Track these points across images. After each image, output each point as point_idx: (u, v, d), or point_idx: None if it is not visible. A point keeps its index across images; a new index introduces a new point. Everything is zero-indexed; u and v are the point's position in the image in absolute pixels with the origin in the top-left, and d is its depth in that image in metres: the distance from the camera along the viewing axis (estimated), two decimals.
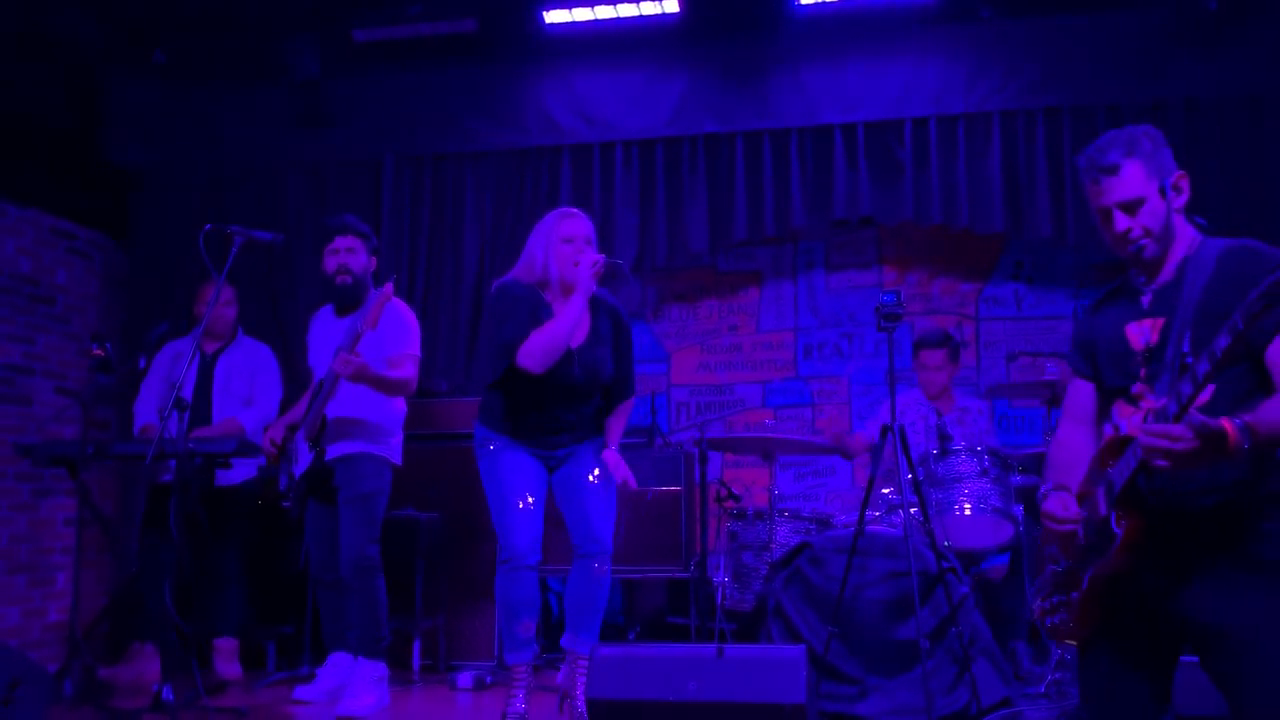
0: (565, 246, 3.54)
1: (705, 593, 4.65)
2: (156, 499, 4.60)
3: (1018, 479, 4.21)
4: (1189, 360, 1.87)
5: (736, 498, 4.92)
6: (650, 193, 5.56)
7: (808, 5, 5.20)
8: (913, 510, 3.76)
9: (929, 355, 4.81)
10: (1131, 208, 2.09)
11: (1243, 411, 1.88)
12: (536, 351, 3.43)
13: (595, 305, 3.63)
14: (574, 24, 5.31)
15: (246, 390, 4.79)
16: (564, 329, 3.43)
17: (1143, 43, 5.06)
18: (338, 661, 4.17)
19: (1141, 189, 2.08)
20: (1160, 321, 2.08)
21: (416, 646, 4.75)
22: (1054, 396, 4.19)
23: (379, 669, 3.99)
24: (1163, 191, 2.09)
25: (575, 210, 3.67)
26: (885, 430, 3.62)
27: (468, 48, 5.56)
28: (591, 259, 3.46)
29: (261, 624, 5.00)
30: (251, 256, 4.91)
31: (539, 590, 3.64)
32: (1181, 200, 2.11)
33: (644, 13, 5.26)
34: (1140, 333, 2.09)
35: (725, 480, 5.28)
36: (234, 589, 4.71)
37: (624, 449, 4.14)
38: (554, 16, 5.27)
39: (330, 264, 4.16)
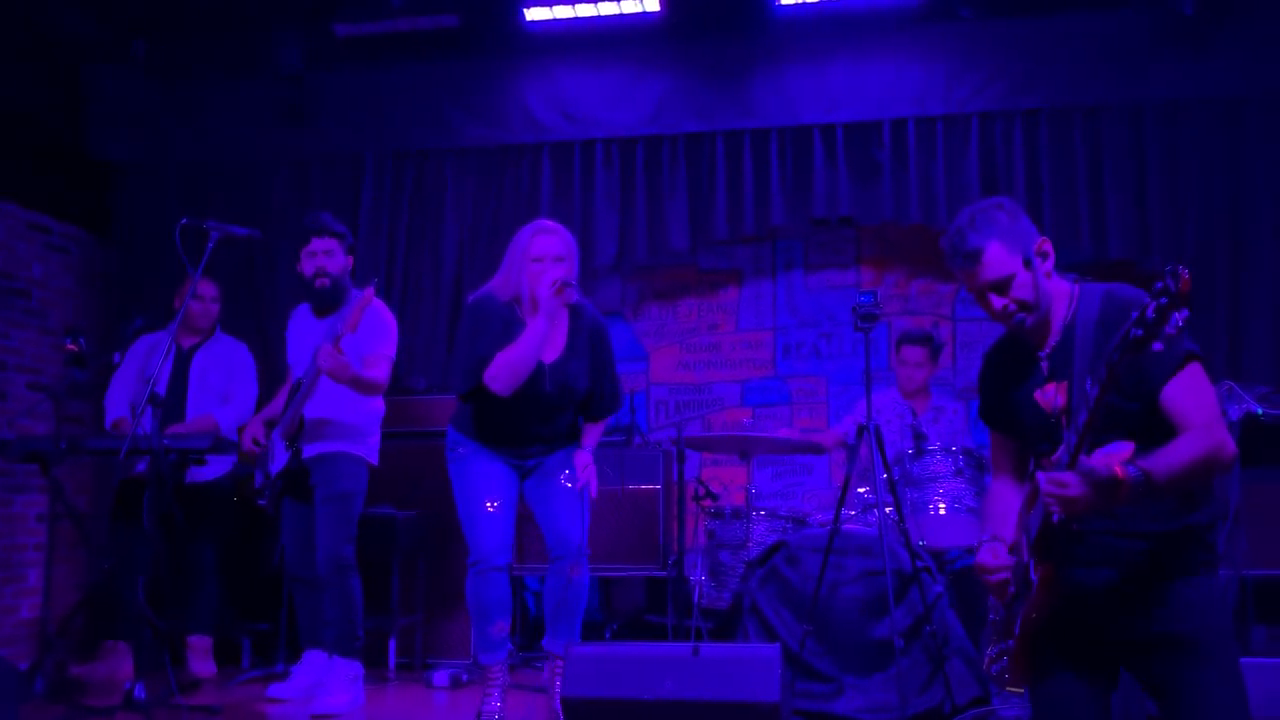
0: (534, 265, 3.49)
1: (682, 591, 4.66)
2: (129, 494, 4.56)
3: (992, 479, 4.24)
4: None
5: (714, 496, 4.92)
6: (631, 190, 5.56)
7: (789, 5, 5.21)
8: (888, 509, 3.77)
9: (909, 351, 4.85)
10: (1002, 287, 2.12)
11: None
12: (501, 373, 3.42)
13: (576, 317, 3.59)
14: (555, 21, 5.30)
15: (223, 387, 4.76)
16: (527, 351, 3.41)
17: (1121, 46, 5.09)
18: (313, 659, 4.15)
19: (1007, 267, 2.11)
20: (1064, 384, 2.11)
21: (393, 645, 4.74)
22: None
23: (354, 668, 3.98)
24: (1028, 262, 2.11)
25: (549, 225, 3.61)
26: (861, 430, 3.63)
27: (449, 43, 5.55)
28: (551, 279, 3.40)
29: (237, 621, 4.98)
30: (232, 252, 4.89)
31: (510, 590, 3.64)
32: (1048, 264, 2.14)
33: (625, 11, 5.25)
34: (1047, 398, 2.12)
35: (703, 479, 5.28)
36: (208, 586, 4.68)
37: (602, 447, 4.16)
38: (535, 14, 5.27)
39: (308, 267, 4.13)
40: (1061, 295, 2.16)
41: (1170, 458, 1.94)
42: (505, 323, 3.49)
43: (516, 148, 5.65)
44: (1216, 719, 1.95)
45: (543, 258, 3.49)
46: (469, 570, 3.61)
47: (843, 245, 6.08)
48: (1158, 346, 1.76)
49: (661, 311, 6.24)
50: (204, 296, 4.79)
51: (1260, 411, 3.45)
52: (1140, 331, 1.75)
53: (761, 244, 6.10)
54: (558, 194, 5.57)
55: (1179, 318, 1.73)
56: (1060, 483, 1.90)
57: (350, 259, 4.23)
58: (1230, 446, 2.00)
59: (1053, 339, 2.15)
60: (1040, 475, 1.95)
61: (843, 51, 5.34)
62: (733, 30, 5.43)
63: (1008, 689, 2.23)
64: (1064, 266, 2.26)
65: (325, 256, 4.11)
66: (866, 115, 5.28)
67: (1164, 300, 1.73)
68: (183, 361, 4.75)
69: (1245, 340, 4.91)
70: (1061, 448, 1.93)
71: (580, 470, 3.60)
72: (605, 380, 3.66)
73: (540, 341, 3.43)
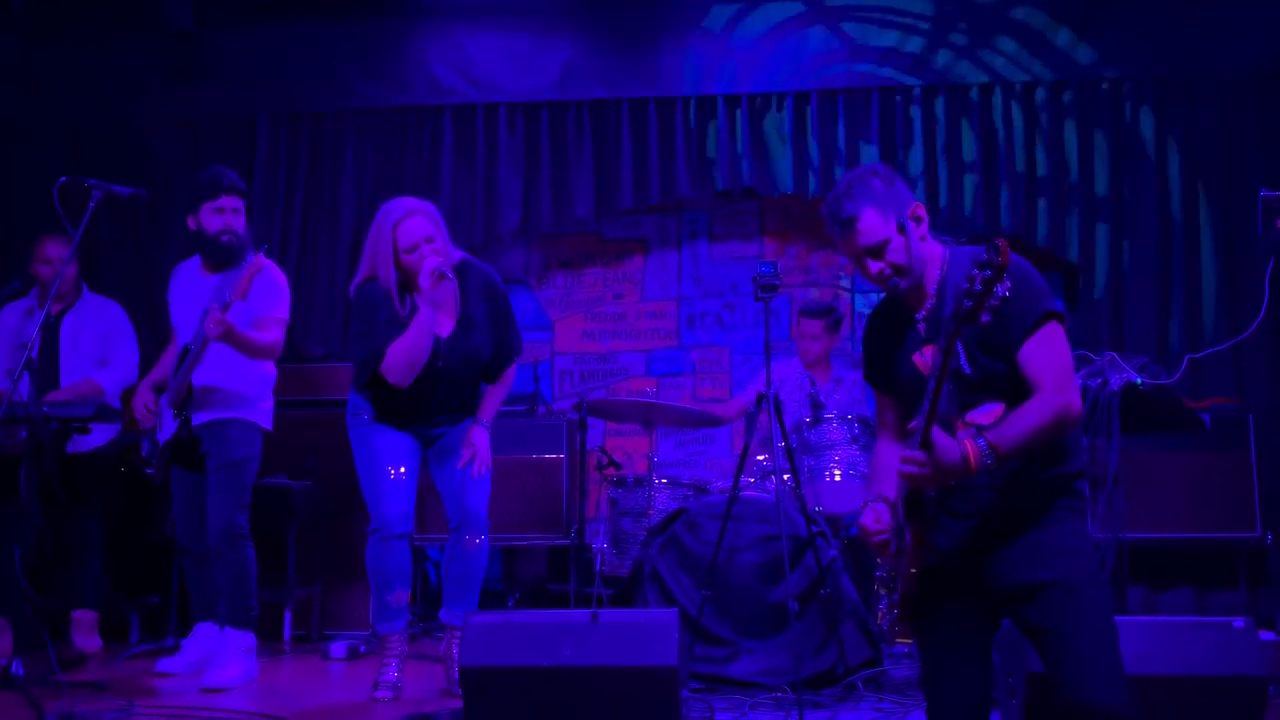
0: (407, 256, 3.42)
1: (584, 559, 4.68)
2: (8, 466, 4.36)
3: None
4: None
5: (617, 465, 4.94)
6: (535, 157, 5.52)
7: None
8: (785, 477, 3.83)
9: (807, 324, 4.93)
10: (876, 251, 2.17)
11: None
12: (396, 367, 3.40)
13: (464, 279, 3.51)
14: None
15: (98, 350, 4.57)
16: (418, 342, 3.39)
17: (1020, 23, 5.24)
18: (204, 632, 4.05)
19: (880, 233, 2.15)
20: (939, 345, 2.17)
21: (289, 616, 4.66)
22: None
23: (247, 639, 3.89)
24: (901, 227, 2.16)
25: (409, 204, 3.50)
26: (761, 398, 3.68)
27: (349, 3, 5.41)
28: (429, 269, 3.34)
29: (125, 595, 4.83)
30: (116, 212, 4.70)
31: (411, 560, 3.61)
32: (922, 228, 2.19)
33: None
34: (924, 360, 2.17)
35: (607, 448, 5.29)
36: (92, 559, 4.51)
37: (504, 416, 4.13)
38: None
39: (215, 222, 3.97)
40: (935, 258, 2.20)
41: (1015, 427, 2.01)
42: (391, 312, 3.44)
43: (417, 110, 5.56)
44: (1090, 657, 2.02)
45: (415, 245, 3.42)
46: (369, 537, 3.56)
47: (746, 217, 6.12)
48: (985, 318, 1.86)
49: (566, 281, 6.21)
50: (52, 259, 4.56)
51: (1139, 381, 3.59)
52: (970, 303, 1.84)
53: (667, 214, 6.11)
54: (460, 158, 5.50)
55: (1002, 289, 1.83)
56: (911, 460, 1.98)
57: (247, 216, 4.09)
58: (1076, 405, 2.06)
59: (929, 301, 2.20)
60: (899, 453, 2.03)
61: (745, 22, 5.36)
62: None
63: (898, 640, 2.31)
64: (960, 240, 2.30)
65: (233, 214, 3.98)
66: (769, 87, 5.34)
67: (988, 272, 1.82)
68: (51, 327, 4.55)
69: (1126, 311, 5.12)
70: (917, 415, 1.97)
71: (477, 447, 3.58)
72: (507, 336, 3.63)
73: (428, 332, 3.40)
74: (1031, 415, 2.02)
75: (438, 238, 3.46)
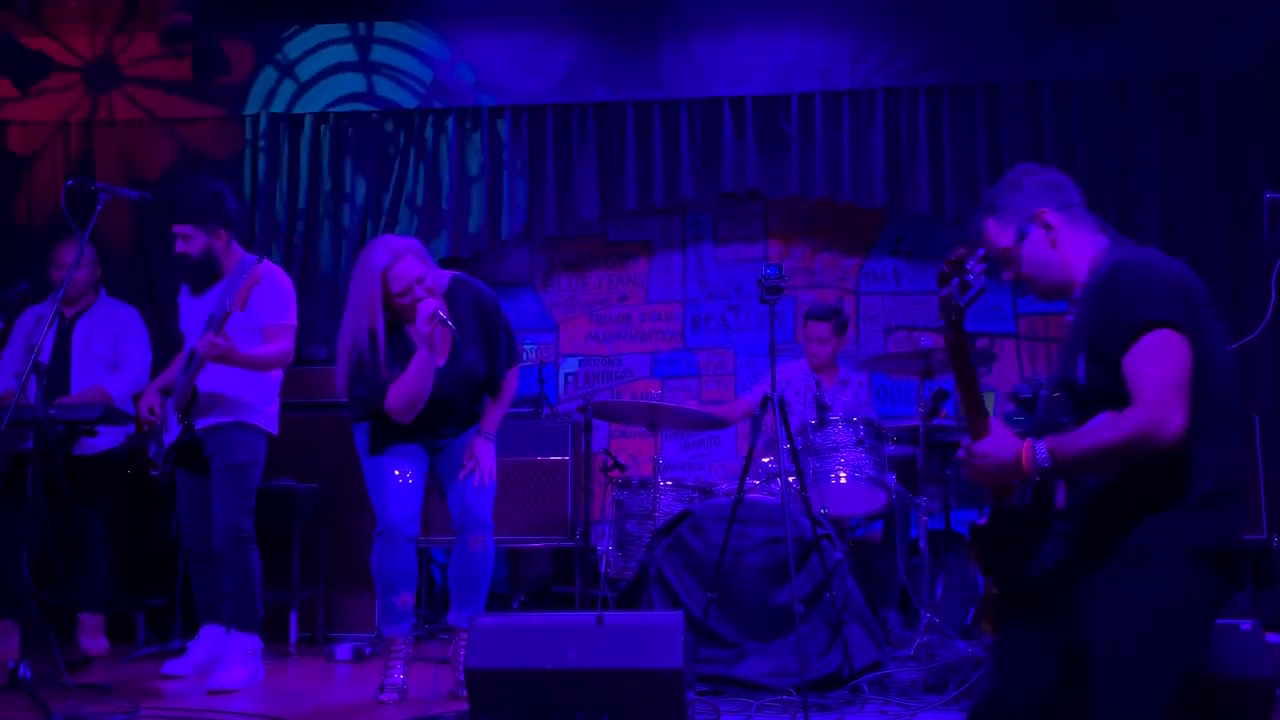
0: (400, 300, 3.42)
1: (589, 561, 4.68)
2: (16, 469, 4.37)
3: (891, 449, 4.34)
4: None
5: (622, 467, 4.94)
6: (540, 159, 5.52)
7: None
8: (790, 479, 3.83)
9: (814, 327, 4.92)
10: (1004, 260, 2.16)
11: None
12: (398, 407, 3.44)
13: (453, 304, 3.50)
14: None
15: (109, 353, 4.58)
16: (418, 383, 3.41)
17: (1020, 24, 5.25)
18: (210, 634, 4.05)
19: (999, 241, 2.15)
20: None
21: (294, 618, 4.66)
22: (928, 369, 4.31)
23: (253, 642, 3.89)
24: (1022, 235, 2.11)
25: (394, 247, 3.46)
26: (766, 400, 3.67)
27: (354, 5, 5.42)
28: (427, 313, 3.34)
29: (131, 596, 4.84)
30: (120, 215, 4.71)
31: (417, 562, 3.61)
32: (1056, 232, 2.10)
33: None
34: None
35: (611, 450, 5.29)
36: (99, 561, 4.52)
37: (509, 418, 4.13)
38: None
39: (178, 248, 3.96)
40: (1084, 258, 2.09)
41: (1086, 438, 1.88)
42: (387, 352, 3.43)
43: (421, 112, 5.56)
44: None
45: (407, 288, 3.41)
46: (375, 539, 3.57)
47: (751, 219, 6.12)
48: (968, 326, 1.91)
49: (571, 282, 6.21)
50: (65, 263, 4.56)
51: None
52: (949, 316, 1.90)
53: (671, 216, 6.10)
54: (464, 160, 5.50)
55: (968, 295, 1.88)
56: (971, 452, 1.93)
57: (220, 232, 3.94)
58: (1173, 424, 1.83)
59: (1077, 294, 2.11)
60: (963, 440, 1.98)
61: (751, 24, 5.38)
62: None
63: (983, 633, 2.26)
64: (962, 240, 2.28)
65: (183, 241, 3.91)
66: (774, 89, 5.35)
67: (955, 281, 1.87)
68: (65, 330, 4.56)
69: None
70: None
71: (480, 457, 3.59)
72: (500, 350, 3.63)
73: (429, 371, 3.42)
74: (1108, 428, 1.87)
75: (427, 275, 3.45)
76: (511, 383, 3.71)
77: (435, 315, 3.33)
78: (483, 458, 3.60)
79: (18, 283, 4.46)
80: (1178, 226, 5.14)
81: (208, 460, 3.93)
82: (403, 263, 3.42)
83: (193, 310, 4.01)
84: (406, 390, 3.42)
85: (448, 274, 3.61)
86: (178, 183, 4.13)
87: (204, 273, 3.94)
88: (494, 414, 3.68)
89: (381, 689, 3.55)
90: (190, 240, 3.92)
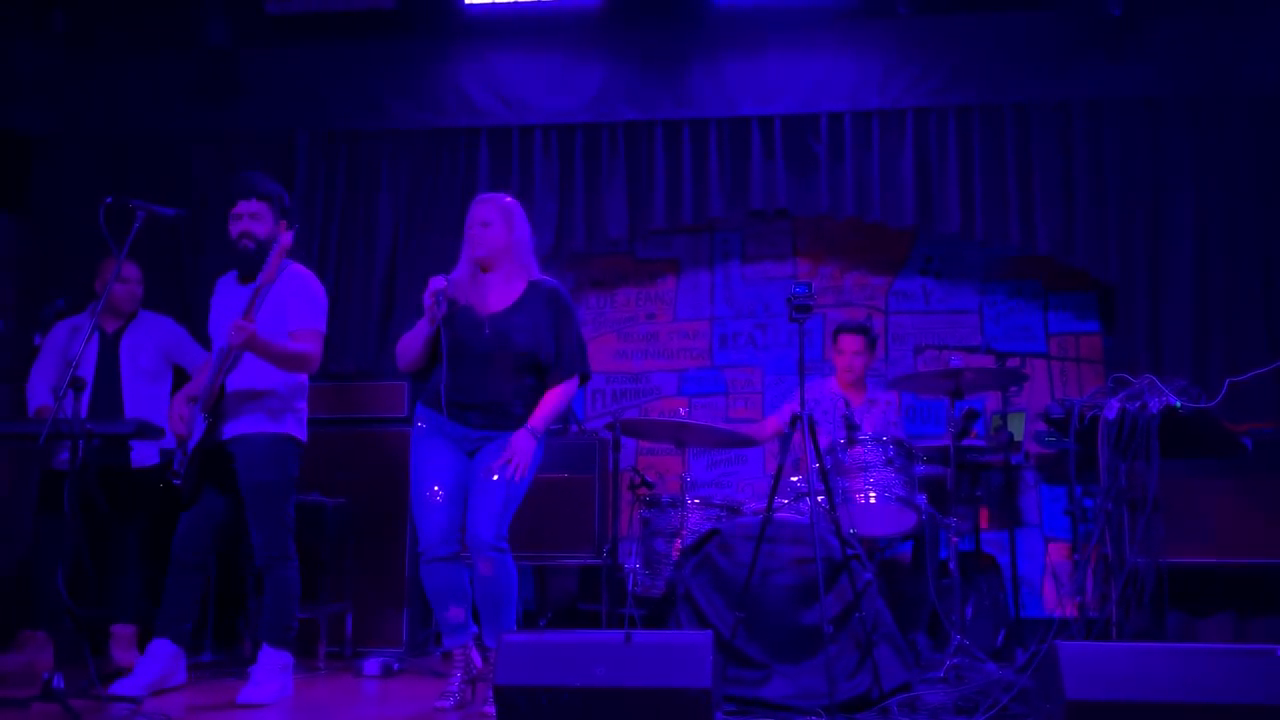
0: (468, 231, 3.75)
1: (617, 579, 4.67)
2: (52, 482, 4.43)
3: (921, 469, 4.32)
4: None
5: (650, 485, 4.94)
6: (569, 178, 5.55)
7: None
8: (819, 498, 3.82)
9: (847, 340, 4.91)
10: None
11: None
12: (398, 353, 3.73)
13: (534, 286, 3.72)
14: (494, 5, 5.30)
15: (157, 366, 4.64)
16: (410, 339, 3.68)
17: (1051, 44, 5.23)
18: (159, 650, 3.88)
19: None
20: None
21: (323, 633, 4.68)
22: (958, 388, 4.28)
23: (284, 658, 3.90)
24: None
25: (488, 195, 3.83)
26: (795, 419, 3.66)
27: (385, 24, 5.48)
28: (433, 289, 3.57)
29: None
30: (156, 231, 4.75)
31: (464, 576, 3.62)
32: None
33: None
34: None
35: (639, 468, 5.30)
36: (133, 574, 4.56)
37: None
38: None
39: (233, 229, 3.92)
40: None
41: None
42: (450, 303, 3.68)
43: (453, 132, 5.61)
44: None
45: (471, 224, 3.73)
46: (420, 558, 3.64)
47: (779, 237, 6.13)
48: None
49: (599, 300, 6.23)
50: (128, 279, 4.65)
51: (1178, 404, 3.55)
52: None
53: (699, 234, 6.12)
54: (495, 180, 5.53)
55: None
56: None
57: (283, 226, 3.92)
58: None
59: None
60: None
61: (780, 44, 5.39)
62: (671, 19, 5.45)
63: None
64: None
65: (250, 219, 3.88)
66: (803, 108, 5.35)
67: None
68: (109, 346, 4.61)
69: (1164, 333, 5.06)
70: None
71: (513, 450, 3.57)
72: (564, 341, 3.69)
73: (421, 337, 3.63)
74: None
75: (494, 226, 3.71)
76: (566, 388, 3.71)
77: (438, 291, 3.55)
78: (520, 451, 3.57)
79: (54, 300, 4.54)
80: (1210, 247, 5.09)
81: (233, 472, 3.89)
82: (480, 205, 3.76)
83: (223, 311, 3.97)
84: (404, 341, 3.70)
85: (535, 273, 3.76)
86: (235, 175, 4.14)
87: (259, 259, 3.83)
88: (543, 409, 3.66)
89: (442, 695, 3.65)
90: (259, 219, 3.90)
